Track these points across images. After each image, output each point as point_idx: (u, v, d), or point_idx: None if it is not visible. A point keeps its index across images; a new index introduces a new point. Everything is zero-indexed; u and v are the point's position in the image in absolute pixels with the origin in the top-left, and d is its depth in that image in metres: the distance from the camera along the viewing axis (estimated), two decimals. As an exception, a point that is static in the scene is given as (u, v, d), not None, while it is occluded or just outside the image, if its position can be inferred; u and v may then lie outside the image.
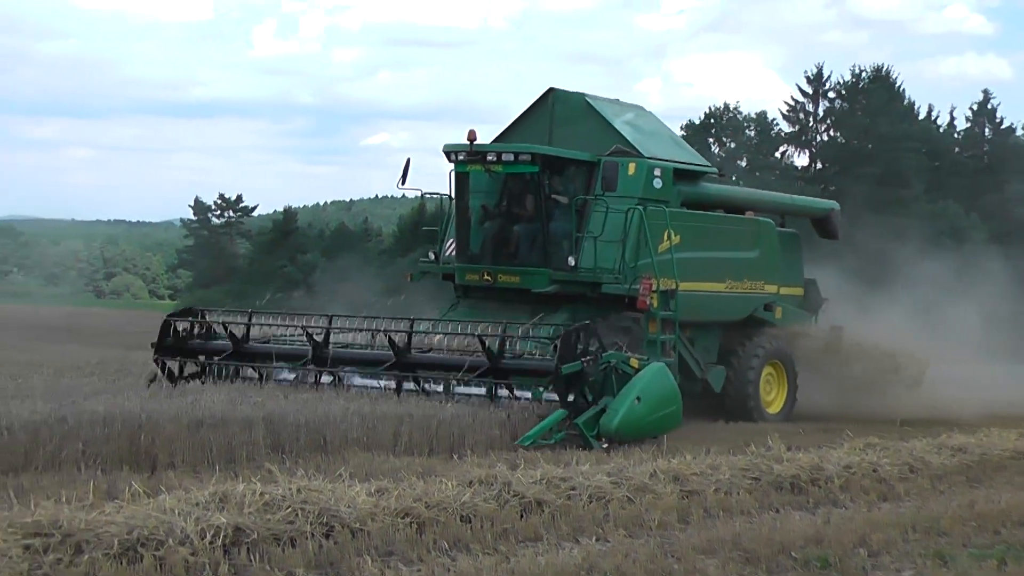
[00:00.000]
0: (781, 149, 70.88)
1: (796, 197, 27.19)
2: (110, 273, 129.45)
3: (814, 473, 13.29)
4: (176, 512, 8.99)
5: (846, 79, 70.73)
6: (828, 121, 71.16)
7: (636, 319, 20.05)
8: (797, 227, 25.75)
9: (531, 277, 20.62)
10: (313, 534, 9.26)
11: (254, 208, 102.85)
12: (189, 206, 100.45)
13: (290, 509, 9.46)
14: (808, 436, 18.34)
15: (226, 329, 20.15)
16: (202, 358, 20.13)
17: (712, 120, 71.11)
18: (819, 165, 71.01)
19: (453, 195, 21.32)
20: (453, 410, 16.34)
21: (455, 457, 14.82)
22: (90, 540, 8.32)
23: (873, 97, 69.04)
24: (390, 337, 18.61)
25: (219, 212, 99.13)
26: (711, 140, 69.77)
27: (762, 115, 71.37)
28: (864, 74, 70.32)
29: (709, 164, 23.63)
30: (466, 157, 20.65)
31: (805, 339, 23.41)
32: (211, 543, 8.64)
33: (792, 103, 70.67)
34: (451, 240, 21.80)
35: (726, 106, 71.45)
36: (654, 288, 19.78)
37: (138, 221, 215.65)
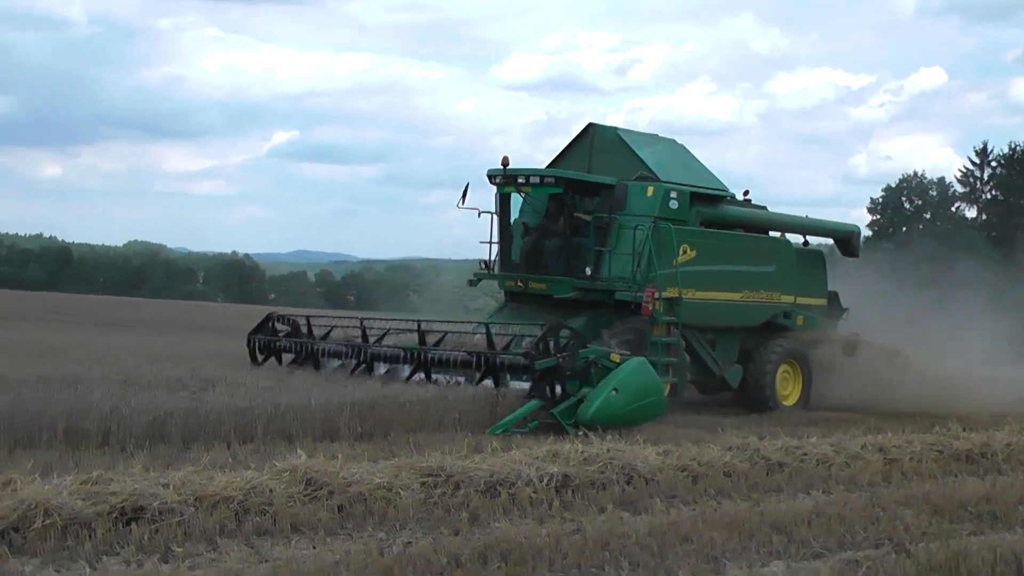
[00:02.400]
0: (956, 205, 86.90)
1: (818, 220, 28.39)
2: (475, 296, 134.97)
3: (983, 448, 16.33)
4: (522, 463, 12.23)
5: (1005, 152, 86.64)
6: (991, 183, 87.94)
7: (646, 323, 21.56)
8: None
9: (556, 284, 22.60)
10: (618, 481, 12.36)
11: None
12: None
13: (602, 463, 12.62)
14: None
15: (302, 327, 23.18)
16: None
17: (904, 184, 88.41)
18: (984, 217, 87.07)
19: (497, 213, 23.51)
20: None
21: (719, 430, 17.84)
22: (464, 480, 11.54)
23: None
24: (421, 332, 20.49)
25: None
26: (903, 199, 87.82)
27: (941, 179, 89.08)
28: (1019, 148, 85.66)
29: (726, 189, 25.00)
30: (501, 180, 22.84)
31: (824, 343, 25.37)
32: (547, 485, 11.78)
33: (964, 170, 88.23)
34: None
35: (915, 173, 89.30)
36: (657, 296, 21.35)
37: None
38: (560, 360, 17.96)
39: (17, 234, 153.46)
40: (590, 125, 24.30)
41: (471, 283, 25.04)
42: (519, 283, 23.35)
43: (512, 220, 23.83)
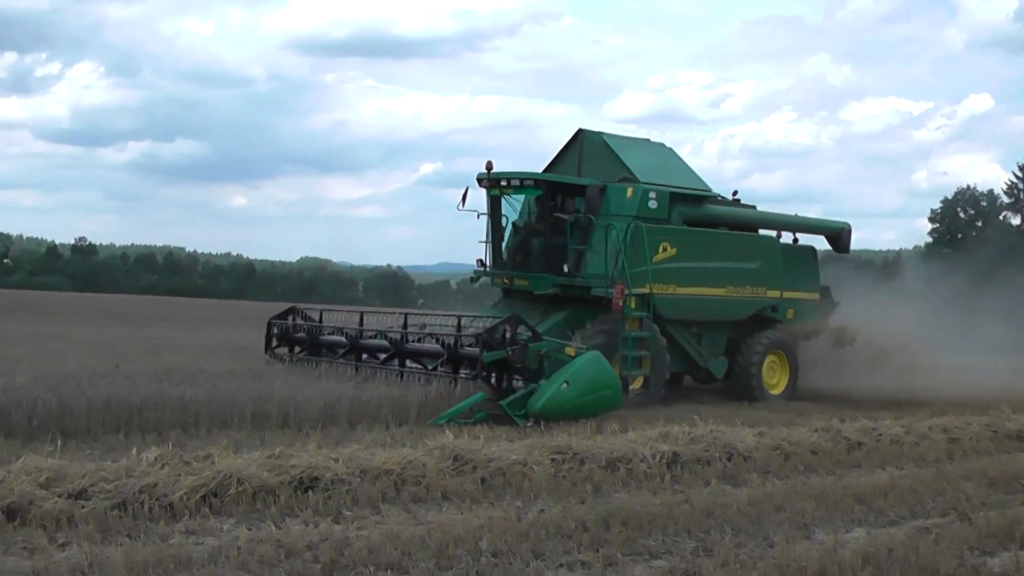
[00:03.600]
0: (1002, 214, 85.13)
1: (806, 217, 25.96)
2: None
3: (1033, 428, 16.07)
4: (637, 442, 12.47)
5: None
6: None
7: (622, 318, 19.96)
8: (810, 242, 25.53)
9: (537, 281, 21.12)
10: (720, 458, 12.48)
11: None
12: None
13: (706, 443, 12.78)
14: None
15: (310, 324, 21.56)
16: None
17: (959, 196, 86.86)
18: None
19: (489, 214, 21.78)
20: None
21: (806, 414, 17.84)
22: (588, 457, 11.75)
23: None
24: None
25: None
26: (959, 209, 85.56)
27: (990, 192, 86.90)
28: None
29: (708, 189, 23.16)
30: (487, 183, 21.25)
31: (813, 335, 23.70)
32: (659, 461, 11.96)
33: (1009, 183, 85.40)
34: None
35: (968, 187, 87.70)
36: (627, 292, 19.87)
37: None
38: (509, 353, 16.59)
39: (211, 253, 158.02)
40: (579, 131, 22.72)
41: (472, 280, 23.22)
42: (506, 280, 22.03)
43: (510, 221, 22.24)
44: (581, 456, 11.70)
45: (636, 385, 19.97)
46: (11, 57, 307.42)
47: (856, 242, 26.81)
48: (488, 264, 22.18)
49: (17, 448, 11.57)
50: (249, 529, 8.79)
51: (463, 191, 20.98)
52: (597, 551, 8.38)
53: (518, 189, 21.34)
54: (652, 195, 21.21)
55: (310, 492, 9.90)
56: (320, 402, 15.07)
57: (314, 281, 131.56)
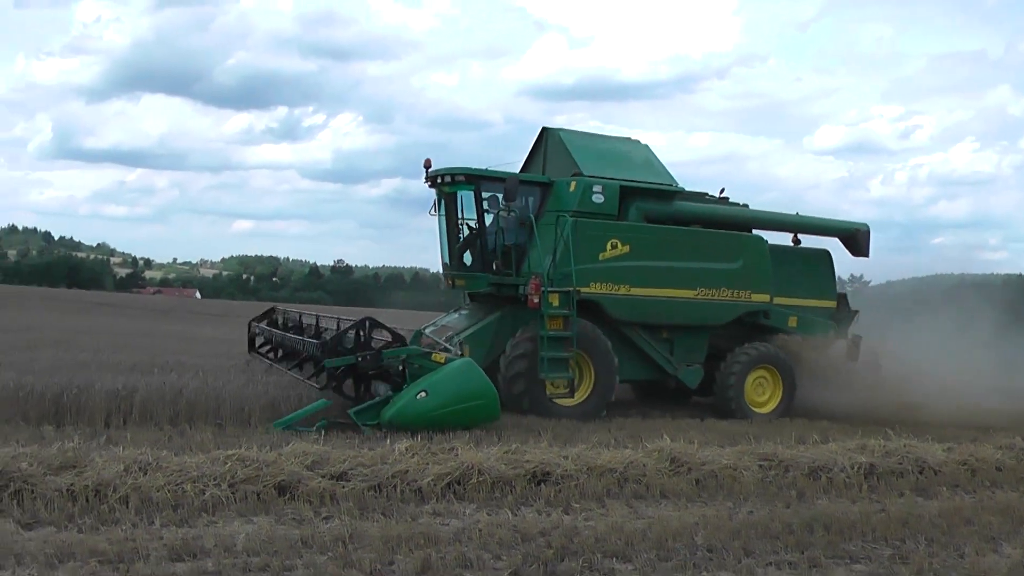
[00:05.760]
0: None
1: (812, 217, 20.55)
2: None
3: None
4: (837, 453, 11.79)
5: None
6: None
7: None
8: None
9: (473, 281, 17.74)
10: (912, 471, 11.72)
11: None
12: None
13: (899, 456, 12.00)
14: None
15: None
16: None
17: None
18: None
19: (438, 214, 18.33)
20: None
21: (990, 431, 15.60)
22: (792, 464, 11.17)
23: None
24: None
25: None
26: None
27: None
28: None
29: (672, 184, 18.54)
30: (428, 182, 18.05)
31: (820, 346, 19.05)
32: (856, 471, 11.29)
33: None
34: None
35: None
36: (544, 288, 16.34)
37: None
38: (359, 360, 13.91)
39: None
40: (544, 130, 18.81)
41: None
42: (449, 281, 18.42)
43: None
44: (786, 463, 11.21)
45: (557, 389, 16.53)
46: (283, 111, 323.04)
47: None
48: (441, 265, 18.74)
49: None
50: (488, 514, 8.77)
51: (434, 200, 18.18)
52: (802, 553, 8.02)
53: (452, 185, 17.69)
54: (597, 189, 17.48)
55: (542, 485, 9.75)
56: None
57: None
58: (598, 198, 17.36)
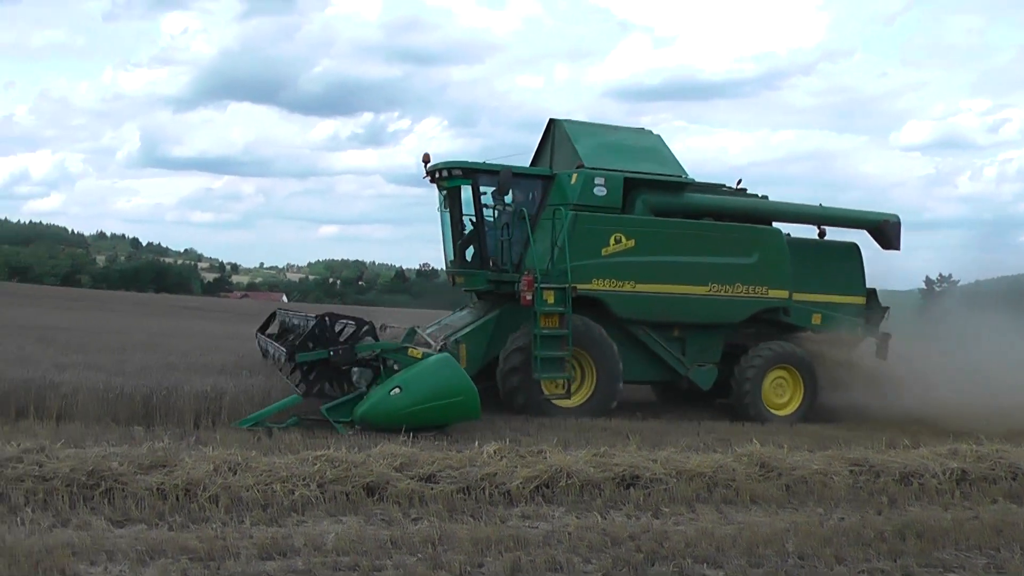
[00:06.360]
0: None
1: (834, 208, 19.27)
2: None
3: None
4: (928, 458, 11.49)
5: None
6: None
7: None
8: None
9: (473, 278, 17.14)
10: (1005, 477, 11.31)
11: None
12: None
13: (992, 461, 11.60)
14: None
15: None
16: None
17: None
18: None
19: (440, 210, 17.88)
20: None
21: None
22: (883, 470, 10.98)
23: None
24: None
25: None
26: None
27: None
28: None
29: (682, 176, 17.77)
30: (428, 177, 17.54)
31: (847, 345, 18.04)
32: (948, 478, 10.99)
33: None
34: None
35: None
36: (537, 284, 15.74)
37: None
38: (332, 355, 13.46)
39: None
40: (551, 121, 18.10)
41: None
42: (451, 279, 17.90)
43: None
44: (877, 469, 10.98)
45: (555, 390, 15.94)
46: (368, 116, 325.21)
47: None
48: (445, 263, 18.30)
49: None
50: (577, 518, 8.75)
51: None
52: (895, 561, 7.87)
53: (450, 180, 17.07)
54: (599, 181, 16.74)
55: (631, 488, 9.69)
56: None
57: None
58: (600, 191, 16.73)
